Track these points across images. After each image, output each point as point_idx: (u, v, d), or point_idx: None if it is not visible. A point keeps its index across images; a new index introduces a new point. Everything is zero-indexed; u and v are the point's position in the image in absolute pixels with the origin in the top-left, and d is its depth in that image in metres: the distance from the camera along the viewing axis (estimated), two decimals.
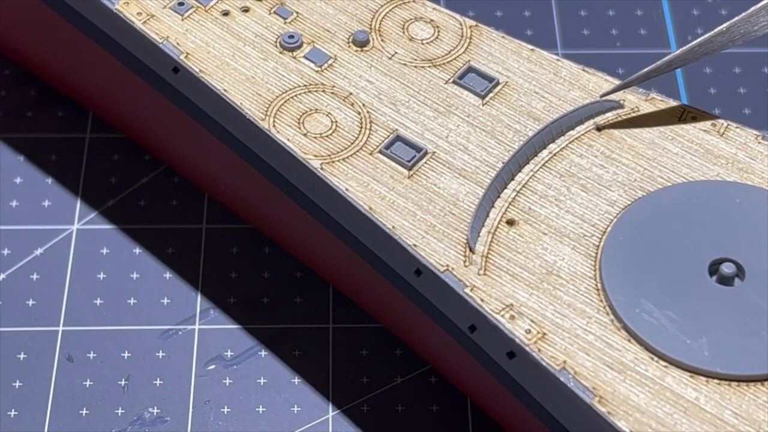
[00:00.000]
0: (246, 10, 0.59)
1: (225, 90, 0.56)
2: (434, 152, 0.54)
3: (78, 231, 0.63)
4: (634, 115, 0.55)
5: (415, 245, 0.51)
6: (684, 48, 0.55)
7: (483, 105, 0.56)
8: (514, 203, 0.53)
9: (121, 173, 0.65)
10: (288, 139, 0.54)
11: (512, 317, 0.49)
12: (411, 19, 0.59)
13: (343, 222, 0.54)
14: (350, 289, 0.60)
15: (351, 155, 0.54)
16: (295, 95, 0.56)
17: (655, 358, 0.48)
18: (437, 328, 0.53)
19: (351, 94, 0.56)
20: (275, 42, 0.58)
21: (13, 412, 0.57)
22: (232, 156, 0.57)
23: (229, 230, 0.63)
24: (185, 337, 0.60)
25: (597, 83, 0.56)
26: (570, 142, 0.54)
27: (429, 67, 0.57)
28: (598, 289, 0.50)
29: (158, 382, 0.58)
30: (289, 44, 0.57)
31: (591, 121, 0.55)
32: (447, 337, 0.53)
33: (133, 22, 0.58)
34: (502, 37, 0.58)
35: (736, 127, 0.55)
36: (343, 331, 0.60)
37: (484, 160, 0.54)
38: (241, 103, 0.55)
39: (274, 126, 0.55)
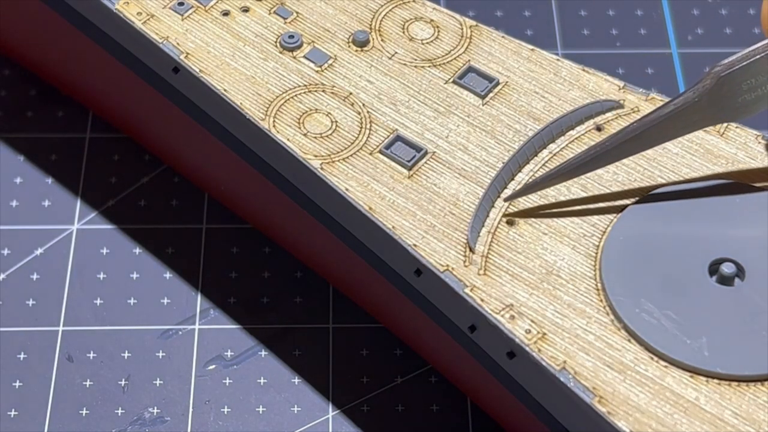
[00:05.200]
0: (246, 10, 0.59)
1: (225, 90, 0.56)
2: (434, 152, 0.54)
3: (78, 231, 0.63)
4: (634, 115, 0.55)
5: (415, 245, 0.51)
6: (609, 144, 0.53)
7: (483, 105, 0.56)
8: (514, 203, 0.52)
9: (121, 173, 0.65)
10: (288, 139, 0.54)
11: (512, 317, 0.49)
12: (411, 19, 0.59)
13: (343, 222, 0.54)
14: (350, 289, 0.60)
15: (351, 155, 0.54)
16: (295, 95, 0.56)
17: (655, 358, 0.48)
18: (437, 328, 0.53)
19: (351, 94, 0.56)
20: (275, 42, 0.58)
21: (13, 412, 0.57)
22: (232, 156, 0.57)
23: (229, 230, 0.63)
24: (185, 337, 0.60)
25: (597, 83, 0.56)
26: (570, 142, 0.54)
27: (429, 67, 0.57)
28: (598, 289, 0.50)
29: (158, 382, 0.58)
30: (289, 44, 0.57)
31: (591, 121, 0.55)
32: (447, 337, 0.53)
33: (133, 22, 0.58)
34: (502, 37, 0.58)
35: (736, 127, 0.55)
36: (343, 331, 0.60)
37: (484, 160, 0.54)
38: (241, 103, 0.55)
39: (274, 126, 0.55)
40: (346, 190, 0.53)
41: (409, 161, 0.54)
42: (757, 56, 0.49)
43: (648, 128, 0.51)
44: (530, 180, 0.53)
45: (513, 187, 0.53)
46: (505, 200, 0.52)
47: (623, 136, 0.51)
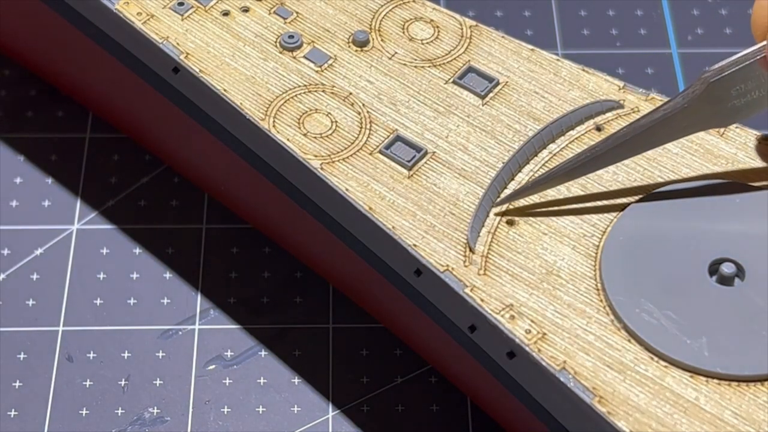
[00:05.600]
0: (246, 10, 0.59)
1: (225, 90, 0.56)
2: (434, 152, 0.54)
3: (78, 231, 0.63)
4: (634, 115, 0.55)
5: (415, 245, 0.51)
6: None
7: (483, 105, 0.56)
8: (514, 203, 0.52)
9: (121, 173, 0.65)
10: (288, 139, 0.54)
11: (512, 317, 0.49)
12: (411, 19, 0.59)
13: (343, 222, 0.54)
14: (350, 289, 0.60)
15: (351, 155, 0.54)
16: (295, 95, 0.56)
17: (655, 358, 0.48)
18: (437, 328, 0.53)
19: (351, 94, 0.56)
20: (275, 42, 0.58)
21: (13, 412, 0.57)
22: (232, 156, 0.57)
23: (229, 230, 0.63)
24: (185, 337, 0.60)
25: (597, 83, 0.56)
26: (570, 142, 0.54)
27: (429, 67, 0.57)
28: (598, 289, 0.50)
29: (158, 382, 0.58)
30: (289, 44, 0.57)
31: (591, 121, 0.55)
32: (447, 337, 0.53)
33: (133, 22, 0.58)
34: (502, 37, 0.58)
35: (736, 127, 0.55)
36: (343, 331, 0.60)
37: (484, 160, 0.54)
38: (241, 103, 0.55)
39: (274, 126, 0.55)
40: (346, 190, 0.53)
41: (409, 161, 0.54)
42: (747, 62, 0.49)
43: (638, 134, 0.51)
44: (529, 179, 0.53)
45: (513, 187, 0.53)
46: (495, 205, 0.52)
47: (613, 142, 0.51)
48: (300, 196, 0.55)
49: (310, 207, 0.55)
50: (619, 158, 0.52)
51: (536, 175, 0.53)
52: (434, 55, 0.57)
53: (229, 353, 0.59)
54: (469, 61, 0.57)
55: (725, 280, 0.50)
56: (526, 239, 0.51)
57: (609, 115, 0.55)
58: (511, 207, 0.52)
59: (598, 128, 0.55)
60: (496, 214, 0.52)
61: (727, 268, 0.50)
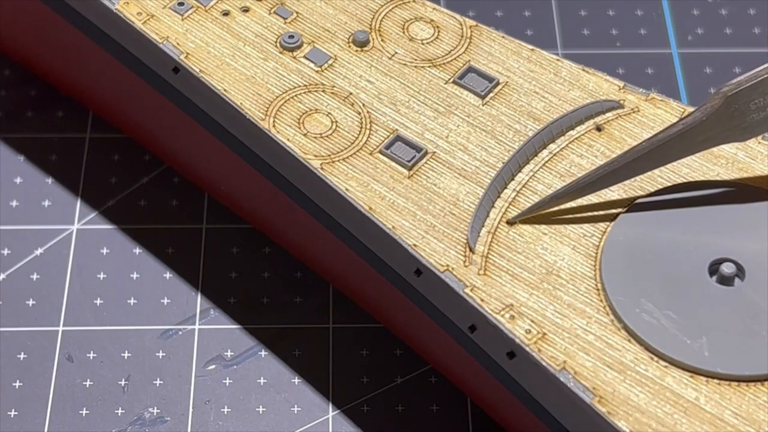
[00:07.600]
0: (246, 10, 0.59)
1: (225, 90, 0.56)
2: (434, 152, 0.54)
3: (78, 231, 0.63)
4: (634, 115, 0.55)
5: (415, 245, 0.51)
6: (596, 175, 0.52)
7: (483, 105, 0.56)
8: (514, 203, 0.52)
9: (121, 173, 0.65)
10: (288, 139, 0.54)
11: (512, 317, 0.49)
12: (411, 19, 0.59)
13: (343, 222, 0.54)
14: (350, 289, 0.60)
15: (351, 155, 0.54)
16: (295, 95, 0.56)
17: (655, 358, 0.48)
18: (437, 328, 0.53)
19: (351, 94, 0.56)
20: (275, 42, 0.58)
21: (13, 412, 0.57)
22: (232, 156, 0.58)
23: (229, 230, 0.63)
24: (185, 337, 0.60)
25: (597, 83, 0.56)
26: (570, 142, 0.54)
27: (429, 67, 0.57)
28: (598, 289, 0.50)
29: (158, 382, 0.58)
30: (289, 44, 0.57)
31: (591, 121, 0.55)
32: (447, 337, 0.53)
33: (133, 22, 0.58)
34: (502, 37, 0.58)
35: None
36: (343, 331, 0.60)
37: (484, 160, 0.54)
38: (241, 103, 0.55)
39: (274, 126, 0.55)
40: (346, 190, 0.53)
41: (409, 161, 0.54)
42: (765, 75, 0.49)
43: (656, 148, 0.51)
44: (529, 179, 0.53)
45: (513, 187, 0.53)
46: (509, 222, 0.52)
47: (631, 156, 0.51)
48: (300, 196, 0.55)
49: (310, 207, 0.55)
50: (637, 173, 0.51)
51: (536, 175, 0.53)
52: (434, 55, 0.57)
53: (229, 353, 0.59)
54: (469, 61, 0.57)
55: (725, 280, 0.50)
56: (526, 239, 0.51)
57: (609, 115, 0.55)
58: (511, 208, 0.52)
59: (598, 128, 0.55)
60: (509, 222, 0.52)
61: (727, 268, 0.50)
